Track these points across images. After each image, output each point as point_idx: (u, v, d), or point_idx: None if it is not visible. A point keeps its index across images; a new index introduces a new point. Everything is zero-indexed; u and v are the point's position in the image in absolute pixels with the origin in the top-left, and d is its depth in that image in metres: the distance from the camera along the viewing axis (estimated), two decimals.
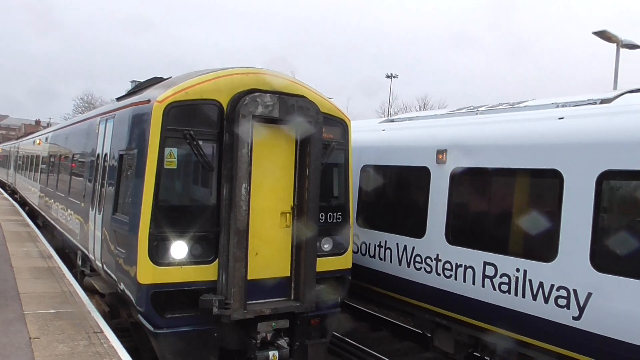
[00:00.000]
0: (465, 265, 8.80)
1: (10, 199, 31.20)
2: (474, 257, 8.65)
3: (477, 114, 9.88)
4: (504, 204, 8.95)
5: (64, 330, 8.13)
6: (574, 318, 7.27)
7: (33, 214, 22.55)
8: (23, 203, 27.03)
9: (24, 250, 14.53)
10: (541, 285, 7.67)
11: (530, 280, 7.82)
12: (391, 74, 63.06)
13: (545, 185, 8.33)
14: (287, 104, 8.09)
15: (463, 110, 10.46)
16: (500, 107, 9.72)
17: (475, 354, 9.99)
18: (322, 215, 8.83)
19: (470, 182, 9.33)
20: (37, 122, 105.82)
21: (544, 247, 7.83)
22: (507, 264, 8.14)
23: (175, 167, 7.95)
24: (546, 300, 7.60)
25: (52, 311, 9.07)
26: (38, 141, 22.87)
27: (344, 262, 9.25)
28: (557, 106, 8.60)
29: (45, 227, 18.78)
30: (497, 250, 8.33)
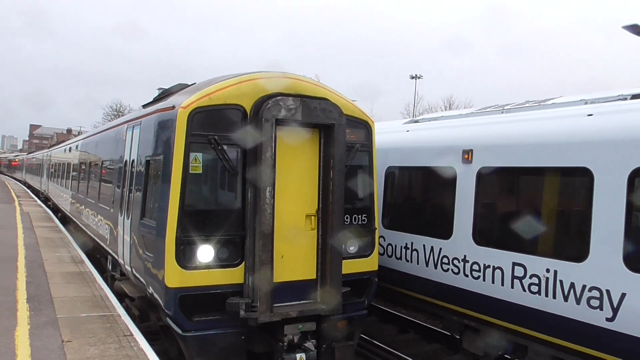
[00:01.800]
0: (493, 266, 8.66)
1: (43, 205, 31.97)
2: (502, 258, 8.51)
3: (502, 112, 9.74)
4: (532, 203, 8.79)
5: (95, 334, 8.28)
6: (607, 319, 7.09)
7: (65, 220, 23.06)
8: (56, 210, 27.67)
9: (57, 256, 14.86)
10: (572, 286, 7.51)
11: (561, 281, 7.66)
12: (415, 74, 62.73)
13: (575, 184, 8.16)
14: (309, 107, 8.11)
15: (488, 109, 10.32)
16: (527, 105, 9.56)
17: (506, 356, 9.83)
18: (347, 218, 8.81)
19: (497, 181, 9.20)
20: (69, 131, 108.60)
21: (574, 247, 7.67)
22: (537, 264, 7.99)
23: (201, 172, 8.03)
24: (578, 301, 7.42)
25: (84, 315, 9.24)
26: (68, 149, 23.39)
27: (369, 264, 9.21)
28: (586, 102, 8.42)
29: (77, 232, 19.18)
30: (526, 250, 8.18)
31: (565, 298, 7.57)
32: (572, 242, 7.82)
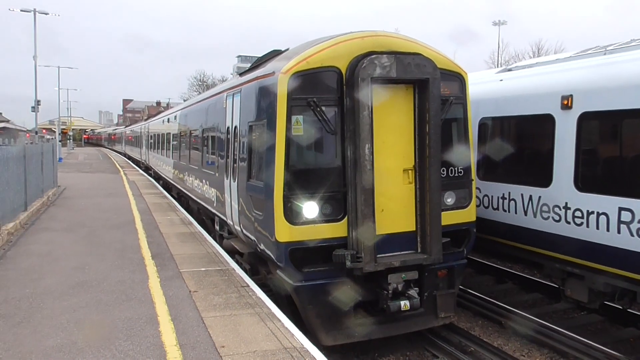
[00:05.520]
0: (597, 212, 8.53)
1: (145, 174, 34.37)
2: (608, 204, 8.36)
3: (605, 54, 9.33)
4: (639, 146, 8.48)
5: (216, 285, 9.15)
6: None
7: (167, 186, 24.75)
8: (157, 177, 29.68)
9: (168, 219, 16.19)
10: None
11: None
12: (499, 20, 59.40)
13: None
14: (403, 63, 8.24)
15: (589, 52, 9.90)
16: (633, 44, 9.09)
17: (609, 303, 9.72)
18: (443, 170, 8.97)
19: (601, 126, 8.93)
20: (158, 103, 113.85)
21: None
22: None
23: (302, 134, 8.43)
24: None
25: (203, 269, 10.19)
26: (167, 120, 24.83)
27: (467, 215, 9.37)
28: None
29: (180, 197, 20.61)
30: (634, 194, 7.98)
31: None
32: None
